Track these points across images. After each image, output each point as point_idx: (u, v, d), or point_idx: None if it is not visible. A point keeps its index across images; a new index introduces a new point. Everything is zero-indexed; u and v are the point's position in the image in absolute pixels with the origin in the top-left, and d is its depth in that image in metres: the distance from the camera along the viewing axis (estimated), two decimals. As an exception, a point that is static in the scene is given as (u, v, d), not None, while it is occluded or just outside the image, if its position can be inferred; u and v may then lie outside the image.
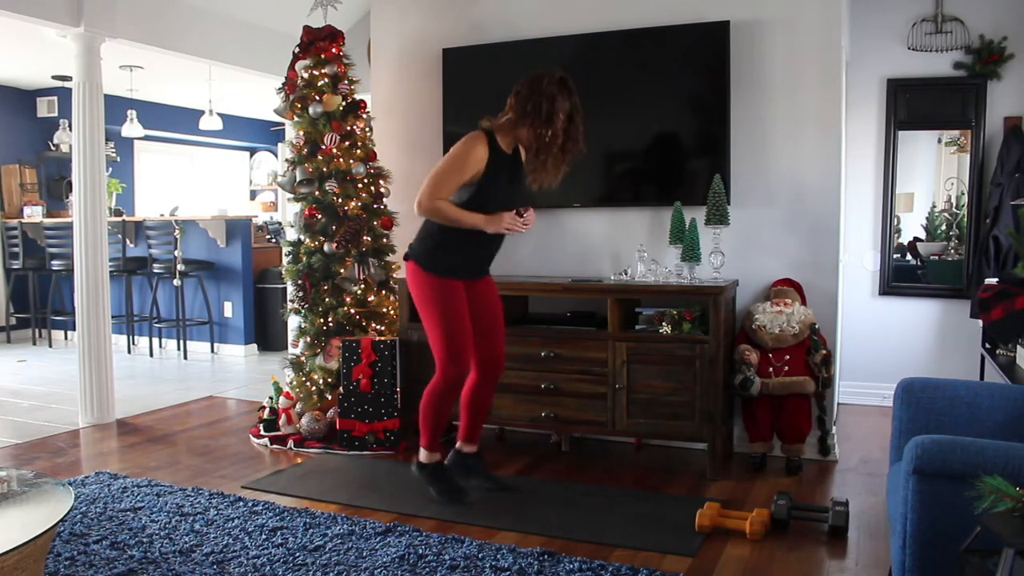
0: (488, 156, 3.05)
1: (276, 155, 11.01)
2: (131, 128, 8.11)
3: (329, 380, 4.30)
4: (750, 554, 2.80)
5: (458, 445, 3.46)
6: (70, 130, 6.27)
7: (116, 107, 7.83)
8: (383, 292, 4.44)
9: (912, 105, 4.91)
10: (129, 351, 7.34)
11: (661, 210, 4.11)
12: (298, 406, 4.35)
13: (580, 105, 3.07)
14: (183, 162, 10.47)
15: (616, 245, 4.25)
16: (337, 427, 4.11)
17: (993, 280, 3.74)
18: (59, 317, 7.72)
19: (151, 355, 7.17)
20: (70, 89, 4.72)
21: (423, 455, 3.24)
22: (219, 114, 8.43)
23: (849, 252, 4.96)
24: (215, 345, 7.22)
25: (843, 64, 3.98)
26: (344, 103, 4.39)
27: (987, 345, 3.81)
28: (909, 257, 5.07)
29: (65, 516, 2.17)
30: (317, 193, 4.35)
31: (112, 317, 4.87)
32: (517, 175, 3.20)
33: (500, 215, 3.08)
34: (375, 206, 4.44)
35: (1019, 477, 1.72)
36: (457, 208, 3.07)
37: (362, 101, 4.49)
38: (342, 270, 4.30)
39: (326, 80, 4.39)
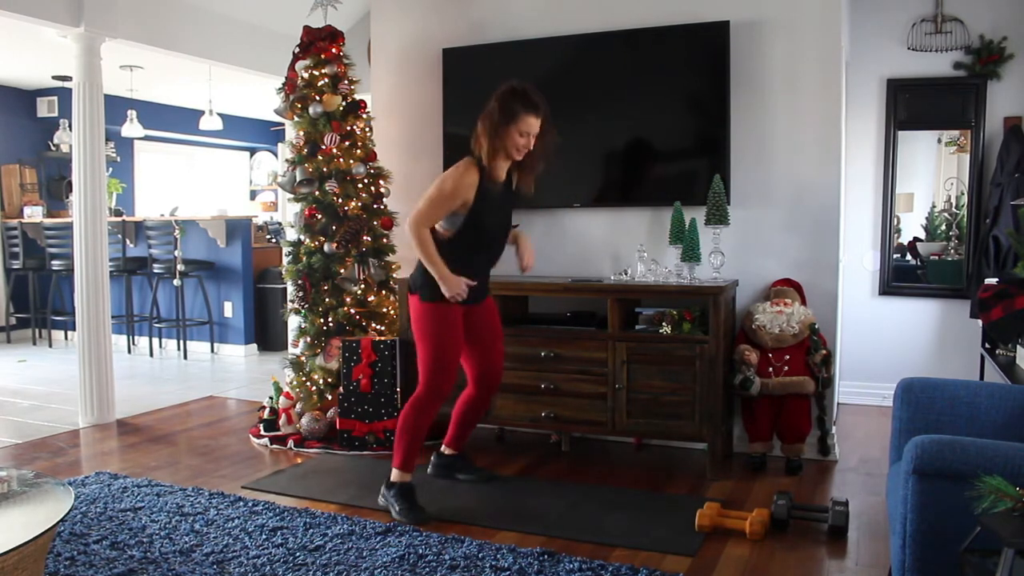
0: (478, 183, 3.09)
1: (276, 155, 11.01)
2: (131, 128, 8.10)
3: (329, 380, 4.30)
4: (750, 554, 2.80)
5: (442, 448, 3.54)
6: (70, 130, 6.27)
7: (116, 107, 7.83)
8: (383, 292, 4.44)
9: (912, 105, 4.91)
10: (129, 351, 7.34)
11: (661, 210, 4.11)
12: (298, 406, 4.35)
13: (538, 117, 3.06)
14: (183, 162, 10.47)
15: (616, 245, 4.25)
16: (337, 427, 4.11)
17: (993, 280, 3.73)
18: (59, 317, 7.72)
19: (151, 355, 7.17)
20: (70, 89, 4.72)
21: (395, 475, 3.21)
22: (219, 114, 8.43)
23: (849, 252, 4.96)
24: (215, 345, 7.23)
25: (843, 64, 3.98)
26: (344, 103, 4.40)
27: (987, 345, 3.81)
28: (909, 257, 5.07)
29: (65, 516, 2.17)
30: (317, 193, 4.35)
31: (112, 317, 4.87)
32: (508, 201, 3.25)
33: (458, 279, 3.08)
34: (375, 206, 4.44)
35: (1019, 477, 1.72)
36: (433, 249, 3.08)
37: (362, 101, 4.49)
38: (342, 270, 4.30)
39: (326, 80, 4.39)
